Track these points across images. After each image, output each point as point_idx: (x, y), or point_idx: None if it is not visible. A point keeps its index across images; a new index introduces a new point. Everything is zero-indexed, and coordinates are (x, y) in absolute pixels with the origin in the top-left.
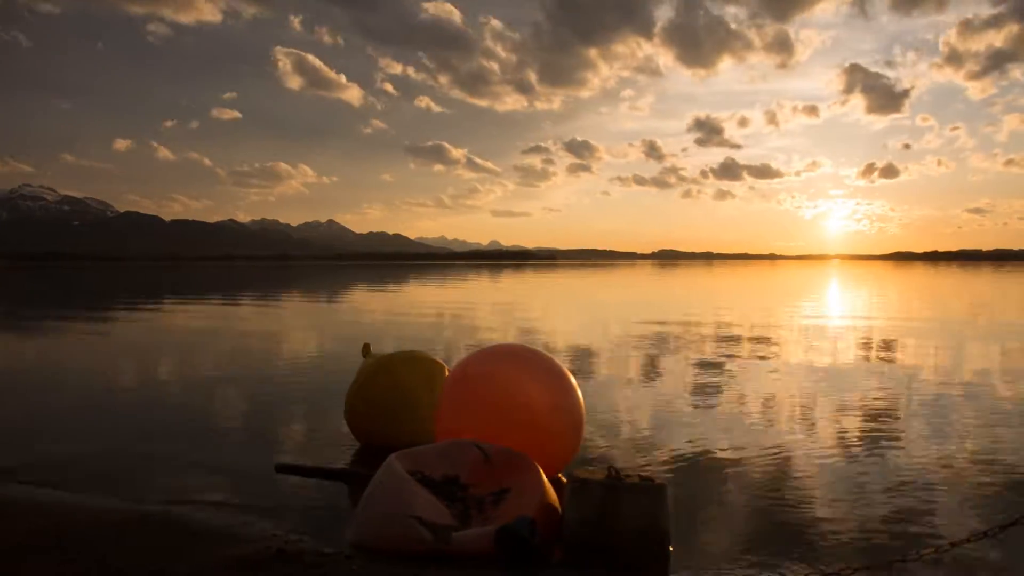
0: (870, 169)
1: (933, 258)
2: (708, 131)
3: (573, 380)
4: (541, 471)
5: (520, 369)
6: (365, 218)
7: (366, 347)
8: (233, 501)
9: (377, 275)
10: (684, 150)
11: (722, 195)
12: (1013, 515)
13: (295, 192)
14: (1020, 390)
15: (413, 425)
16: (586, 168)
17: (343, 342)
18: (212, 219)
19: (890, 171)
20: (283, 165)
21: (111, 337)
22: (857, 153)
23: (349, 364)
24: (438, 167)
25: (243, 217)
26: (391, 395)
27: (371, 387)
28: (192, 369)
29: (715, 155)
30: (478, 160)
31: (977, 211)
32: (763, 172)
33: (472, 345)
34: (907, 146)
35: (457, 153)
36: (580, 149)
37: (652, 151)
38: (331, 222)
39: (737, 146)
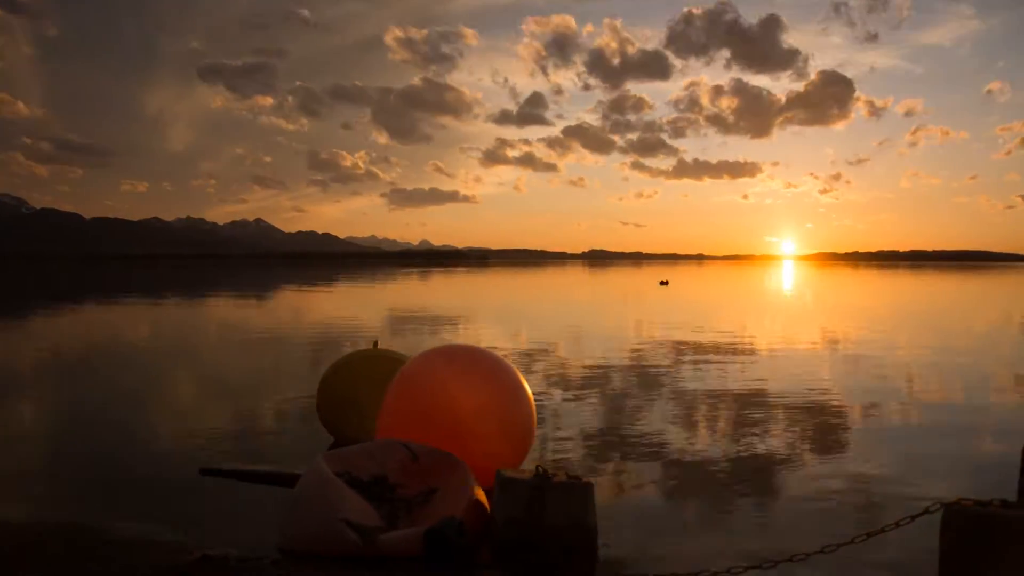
0: None
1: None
2: None
3: (523, 382)
4: (469, 470)
5: (461, 371)
6: (291, 218)
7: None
8: (155, 507)
9: (328, 277)
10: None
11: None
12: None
13: None
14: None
15: (371, 422)
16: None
17: (283, 342)
18: (135, 216)
19: None
20: None
21: (32, 339)
22: None
23: (285, 365)
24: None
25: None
26: (350, 391)
27: (332, 383)
28: (120, 371)
29: None
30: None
31: None
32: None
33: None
34: None
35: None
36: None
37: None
38: (259, 221)
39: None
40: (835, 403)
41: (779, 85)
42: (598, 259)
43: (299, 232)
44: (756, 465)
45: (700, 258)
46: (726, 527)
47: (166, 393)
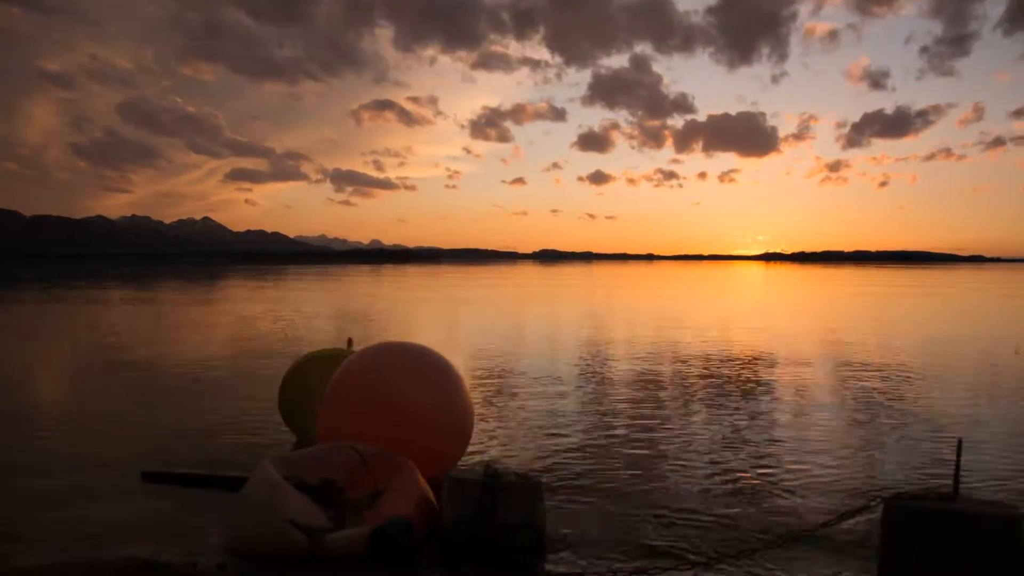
0: None
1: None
2: None
3: (461, 378)
4: (417, 471)
5: (404, 369)
6: (240, 216)
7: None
8: (95, 512)
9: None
10: None
11: None
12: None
13: None
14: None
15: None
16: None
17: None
18: (77, 215)
19: None
20: None
21: None
22: None
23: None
24: None
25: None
26: (306, 392)
27: (291, 384)
28: (61, 370)
29: None
30: None
31: None
32: None
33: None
34: None
35: None
36: None
37: None
38: (207, 219)
39: None
40: (781, 404)
41: None
42: (550, 259)
43: (248, 231)
44: (702, 462)
45: (650, 258)
46: (673, 525)
47: (102, 394)
